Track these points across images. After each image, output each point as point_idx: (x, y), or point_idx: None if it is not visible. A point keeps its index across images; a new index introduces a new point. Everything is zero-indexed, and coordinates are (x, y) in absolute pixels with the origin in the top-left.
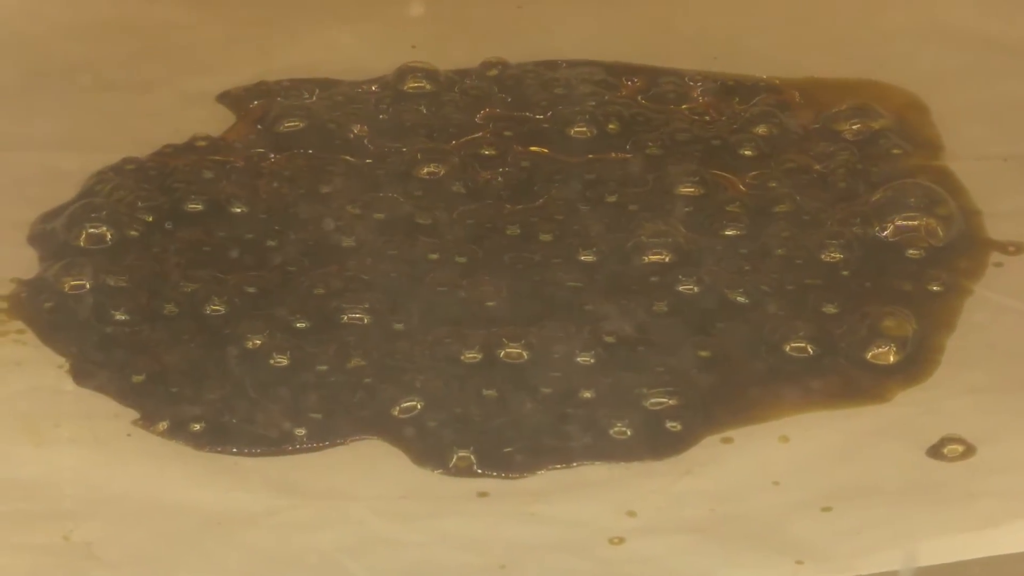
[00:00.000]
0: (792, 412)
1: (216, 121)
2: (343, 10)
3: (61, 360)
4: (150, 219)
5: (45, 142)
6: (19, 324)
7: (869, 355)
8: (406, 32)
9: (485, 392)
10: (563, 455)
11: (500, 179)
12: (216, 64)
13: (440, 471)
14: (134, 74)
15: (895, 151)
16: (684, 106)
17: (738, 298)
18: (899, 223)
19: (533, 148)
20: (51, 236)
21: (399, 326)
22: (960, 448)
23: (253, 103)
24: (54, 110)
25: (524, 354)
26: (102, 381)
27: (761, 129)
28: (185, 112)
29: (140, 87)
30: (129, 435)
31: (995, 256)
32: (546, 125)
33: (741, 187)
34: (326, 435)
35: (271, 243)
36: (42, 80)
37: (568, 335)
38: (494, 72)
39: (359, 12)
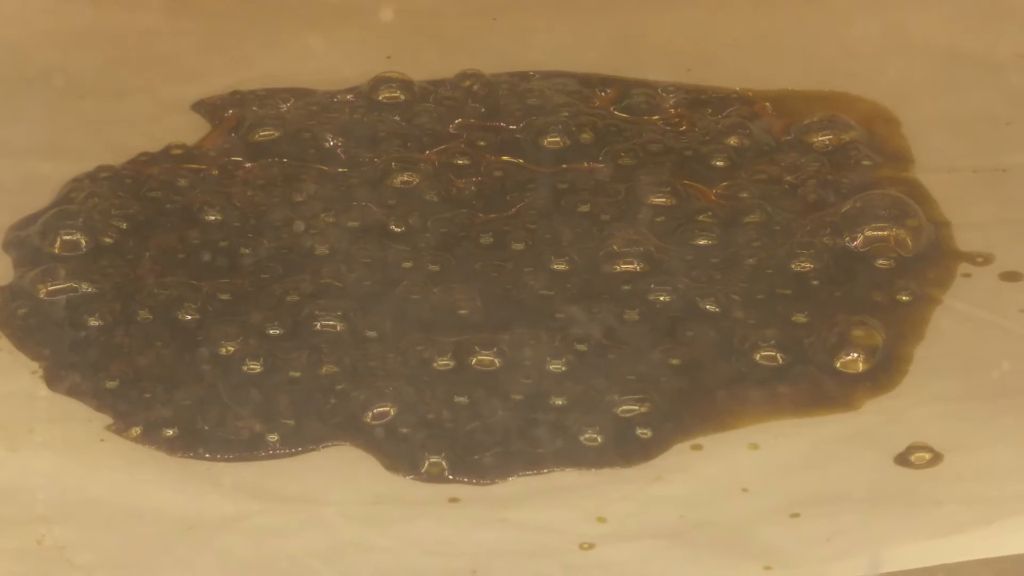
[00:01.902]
0: (761, 419)
1: (191, 129)
2: (318, 20)
3: (35, 365)
4: (124, 226)
5: (20, 148)
6: None
7: (838, 363)
8: (381, 42)
9: (457, 398)
10: (534, 461)
11: (473, 188)
12: (192, 72)
13: (412, 477)
14: (110, 81)
15: (865, 162)
16: (656, 117)
17: (708, 307)
18: (869, 233)
19: (506, 158)
20: (26, 243)
21: (372, 333)
22: (927, 456)
23: (228, 112)
24: (29, 117)
25: (496, 361)
26: (76, 386)
27: (732, 140)
28: (160, 120)
29: (116, 95)
30: (102, 440)
31: (963, 267)
32: (519, 135)
33: (712, 197)
34: (298, 440)
35: (245, 250)
36: (17, 86)
37: (539, 342)
38: (469, 83)
39: (334, 22)
